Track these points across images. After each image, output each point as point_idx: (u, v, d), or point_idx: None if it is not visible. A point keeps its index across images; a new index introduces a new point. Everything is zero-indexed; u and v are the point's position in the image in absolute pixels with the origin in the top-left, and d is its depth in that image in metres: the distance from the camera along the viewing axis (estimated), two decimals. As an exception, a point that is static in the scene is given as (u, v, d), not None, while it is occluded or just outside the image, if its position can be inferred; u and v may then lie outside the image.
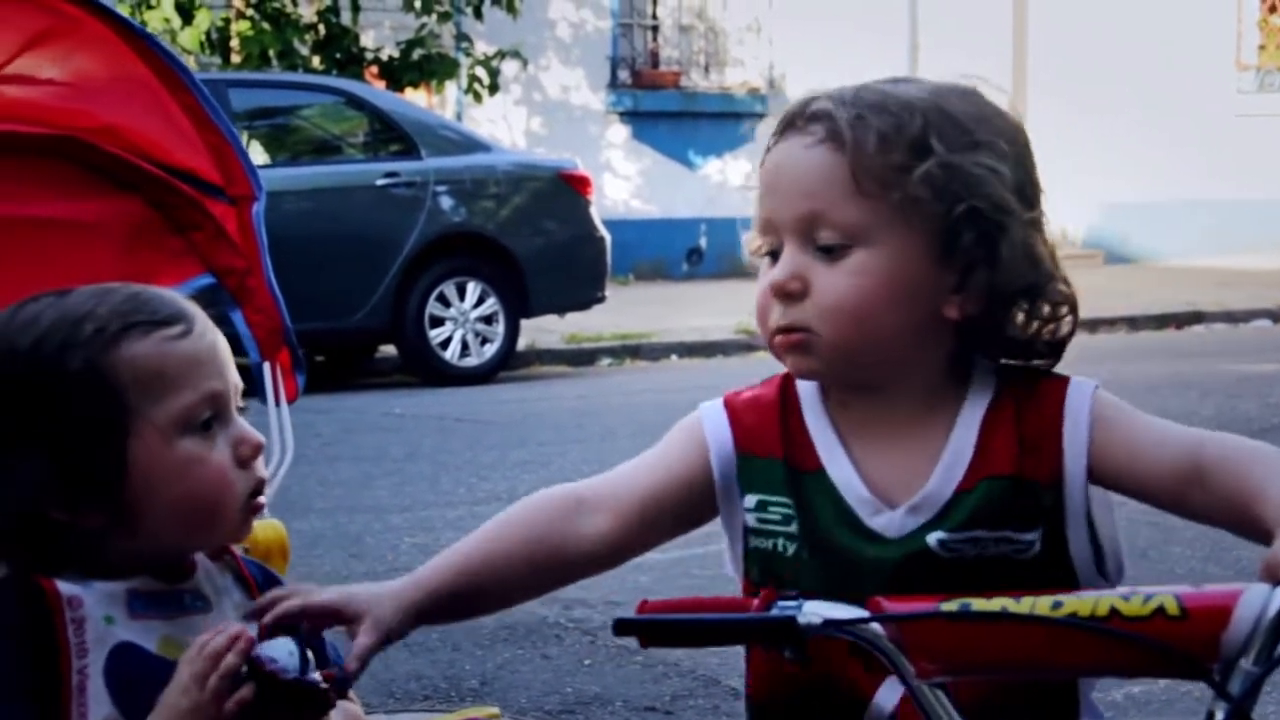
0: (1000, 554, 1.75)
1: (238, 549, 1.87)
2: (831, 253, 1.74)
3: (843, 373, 1.79)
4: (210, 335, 1.75)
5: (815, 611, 1.57)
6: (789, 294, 1.75)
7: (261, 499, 1.76)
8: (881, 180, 1.73)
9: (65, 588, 1.68)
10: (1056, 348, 1.82)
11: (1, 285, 2.08)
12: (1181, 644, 1.51)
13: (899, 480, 1.78)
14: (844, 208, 1.74)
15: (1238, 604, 1.50)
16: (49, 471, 1.70)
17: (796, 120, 1.79)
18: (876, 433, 1.80)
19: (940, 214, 1.73)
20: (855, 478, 1.79)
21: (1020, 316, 1.78)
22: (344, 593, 1.77)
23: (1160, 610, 1.52)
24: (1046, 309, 1.79)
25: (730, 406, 1.86)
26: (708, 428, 1.85)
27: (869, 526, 1.77)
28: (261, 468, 1.76)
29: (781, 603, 1.59)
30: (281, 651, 1.67)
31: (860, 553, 1.77)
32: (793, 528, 1.79)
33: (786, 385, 1.85)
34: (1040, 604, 1.54)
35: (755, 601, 1.61)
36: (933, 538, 1.75)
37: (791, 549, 1.79)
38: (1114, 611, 1.53)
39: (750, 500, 1.82)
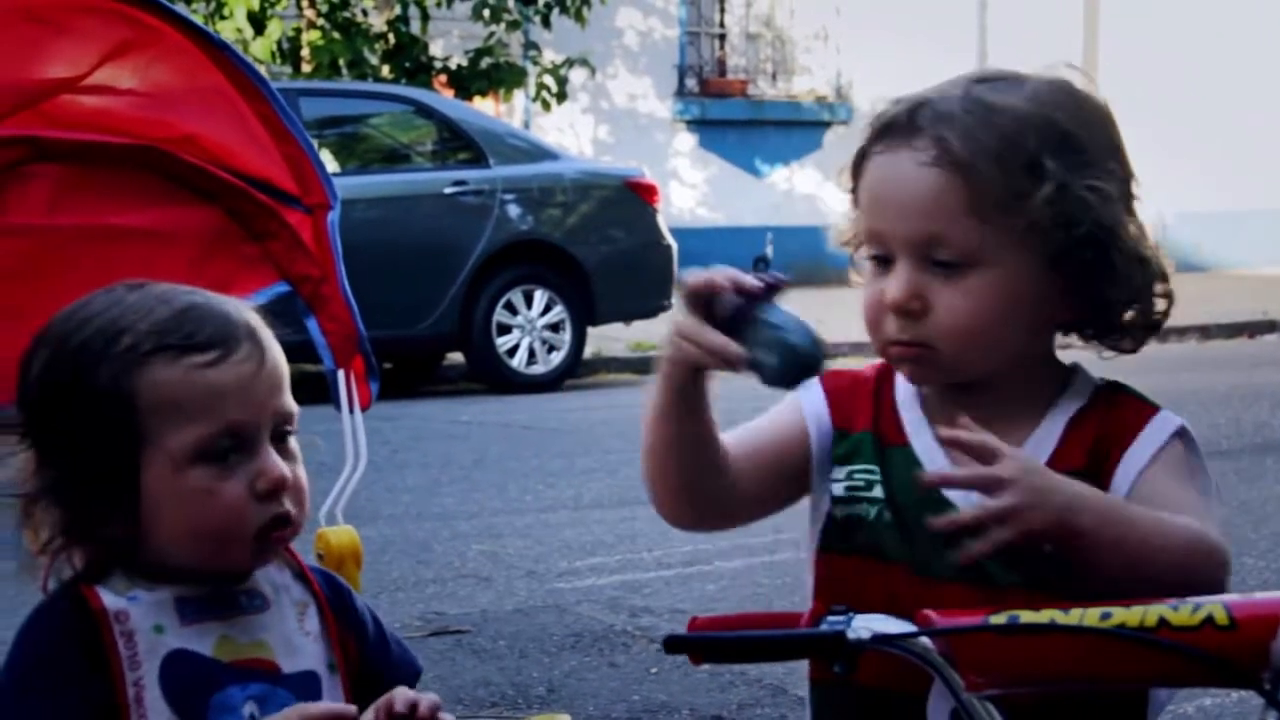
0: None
1: (309, 558, 1.87)
2: (949, 270, 1.77)
3: (953, 379, 1.84)
4: (251, 363, 1.71)
5: (864, 626, 1.58)
6: (909, 312, 1.79)
7: (285, 532, 1.74)
8: (1000, 206, 1.75)
9: (111, 602, 1.69)
10: (1149, 330, 1.86)
11: (79, 292, 2.10)
12: (1231, 653, 1.51)
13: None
14: (962, 231, 1.76)
15: None
16: (73, 476, 1.71)
17: (902, 131, 1.80)
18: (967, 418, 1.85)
19: (1058, 238, 1.76)
20: (939, 451, 1.83)
21: (1127, 314, 1.83)
22: None
23: (1209, 620, 1.52)
24: (1151, 302, 1.83)
25: (827, 387, 1.91)
26: (806, 407, 1.91)
27: (945, 495, 1.80)
28: (287, 502, 1.72)
29: (831, 618, 1.59)
30: None
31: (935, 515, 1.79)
32: (876, 492, 1.84)
33: (886, 369, 1.90)
34: (1089, 615, 1.54)
35: (804, 617, 1.61)
36: None
37: (873, 512, 1.84)
38: (1163, 622, 1.53)
39: (840, 472, 1.87)
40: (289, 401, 1.75)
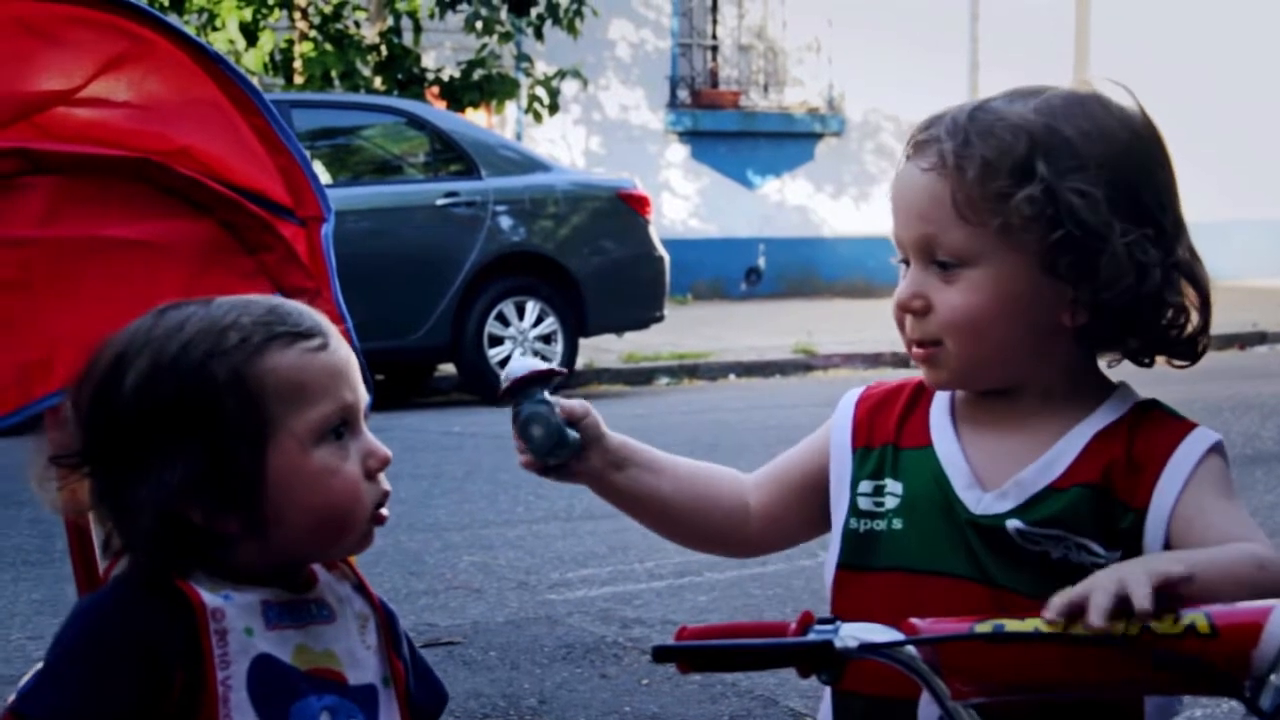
0: (1082, 563, 1.78)
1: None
2: (946, 270, 1.84)
3: (970, 382, 1.89)
4: (344, 350, 1.79)
5: (851, 635, 1.60)
6: (913, 311, 1.86)
7: (385, 511, 1.79)
8: (980, 209, 1.81)
9: (209, 599, 1.71)
10: (1188, 347, 1.88)
11: (76, 304, 2.10)
12: (1213, 661, 1.53)
13: (998, 467, 1.86)
14: (951, 233, 1.82)
15: (1268, 621, 1.53)
16: (191, 475, 1.72)
17: (915, 141, 1.88)
18: (992, 426, 1.89)
19: (1038, 238, 1.80)
20: (959, 454, 1.88)
21: (1140, 324, 1.85)
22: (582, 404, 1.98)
23: (1191, 628, 1.54)
24: (1169, 313, 1.85)
25: (862, 402, 1.99)
26: (834, 433, 1.99)
27: (958, 495, 1.85)
28: (386, 481, 1.78)
29: (818, 626, 1.61)
30: None
31: (944, 517, 1.85)
32: (890, 503, 1.90)
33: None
34: (1074, 624, 1.55)
35: (792, 625, 1.62)
36: (1012, 524, 1.81)
37: (888, 524, 1.89)
38: (1145, 629, 1.54)
39: (866, 485, 1.92)
40: (365, 390, 1.83)
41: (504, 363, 11.92)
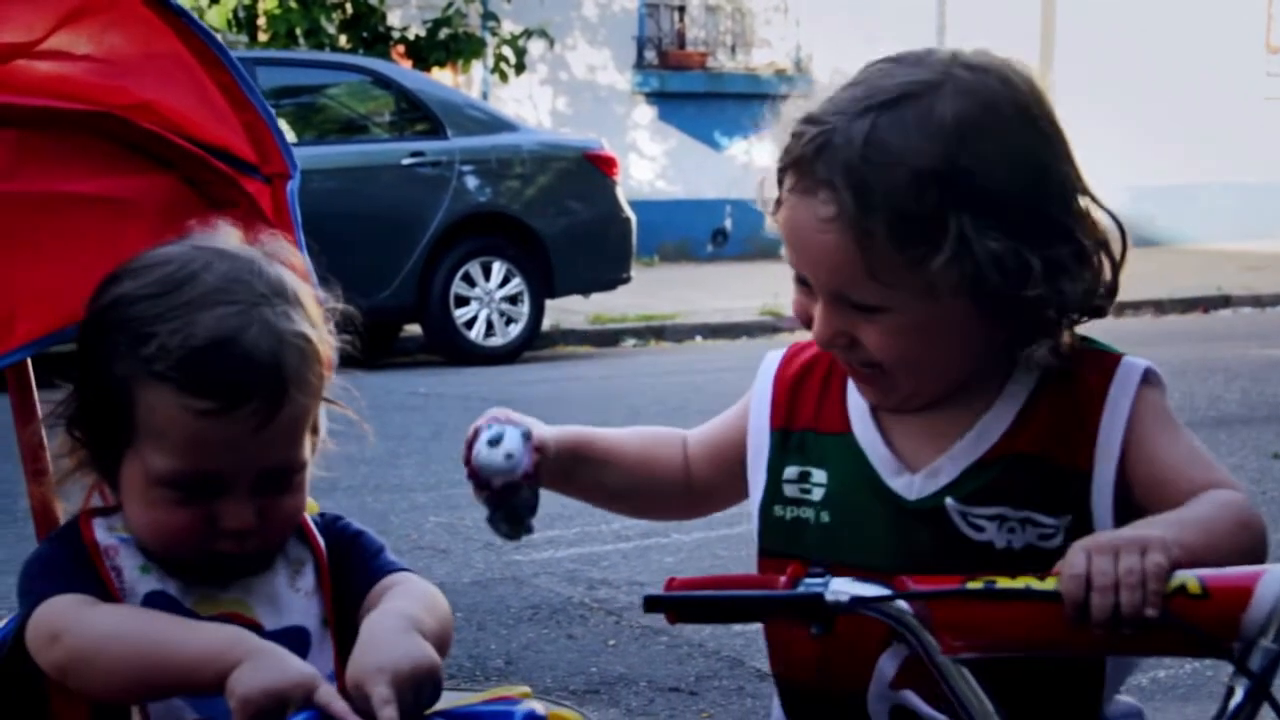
0: (1028, 543, 1.76)
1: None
2: (865, 311, 1.76)
3: (918, 403, 1.82)
4: (253, 421, 1.71)
5: (842, 589, 1.60)
6: (838, 347, 1.80)
7: (236, 557, 1.77)
8: (895, 272, 1.72)
9: (102, 536, 1.78)
10: (1097, 312, 1.82)
11: (37, 262, 2.07)
12: (1203, 622, 1.53)
13: (923, 449, 1.81)
14: (866, 289, 1.74)
15: (1258, 584, 1.53)
16: (76, 406, 1.83)
17: (807, 173, 1.76)
18: (912, 410, 1.84)
19: (963, 288, 1.72)
20: (880, 441, 1.83)
21: (1063, 318, 1.79)
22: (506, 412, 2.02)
23: (1182, 589, 1.54)
24: (1084, 294, 1.78)
25: (780, 378, 1.93)
26: (752, 408, 1.94)
27: (888, 486, 1.81)
28: (250, 540, 1.75)
29: (808, 580, 1.61)
30: None
31: (876, 509, 1.80)
32: (816, 495, 1.84)
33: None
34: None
35: (782, 579, 1.62)
36: (949, 502, 1.77)
37: (814, 516, 1.84)
38: None
39: (791, 472, 1.87)
40: (292, 454, 1.77)
41: (469, 324, 11.89)
